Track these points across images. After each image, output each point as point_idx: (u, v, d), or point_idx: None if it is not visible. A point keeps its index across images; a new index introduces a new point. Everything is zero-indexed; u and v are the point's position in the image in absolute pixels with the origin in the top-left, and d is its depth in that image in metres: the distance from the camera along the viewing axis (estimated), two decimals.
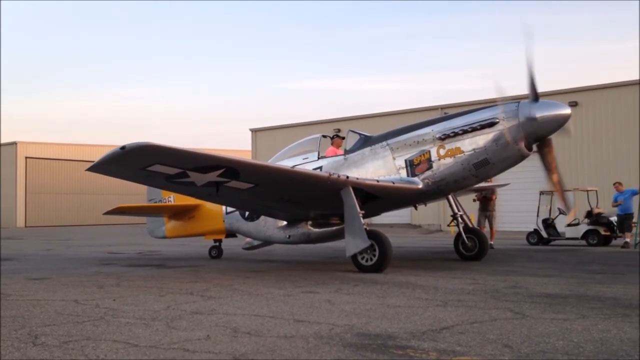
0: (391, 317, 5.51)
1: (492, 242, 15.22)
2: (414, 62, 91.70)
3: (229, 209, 12.60)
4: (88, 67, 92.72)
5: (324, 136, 12.16)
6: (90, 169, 8.32)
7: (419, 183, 10.19)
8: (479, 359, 3.95)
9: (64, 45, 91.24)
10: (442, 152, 10.07)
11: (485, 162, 9.86)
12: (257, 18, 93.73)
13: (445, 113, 11.01)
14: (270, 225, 11.83)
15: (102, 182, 40.36)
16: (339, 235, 10.87)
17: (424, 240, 20.71)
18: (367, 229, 9.45)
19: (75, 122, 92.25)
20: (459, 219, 11.76)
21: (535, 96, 9.61)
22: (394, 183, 10.13)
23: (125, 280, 8.89)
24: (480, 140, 9.80)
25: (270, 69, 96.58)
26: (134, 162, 8.15)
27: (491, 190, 15.70)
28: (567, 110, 9.80)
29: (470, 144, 9.86)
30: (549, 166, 9.94)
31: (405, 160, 10.37)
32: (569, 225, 17.63)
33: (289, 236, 11.53)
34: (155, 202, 14.09)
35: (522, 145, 9.64)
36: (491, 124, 9.74)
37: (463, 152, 9.91)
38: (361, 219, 9.40)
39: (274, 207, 10.82)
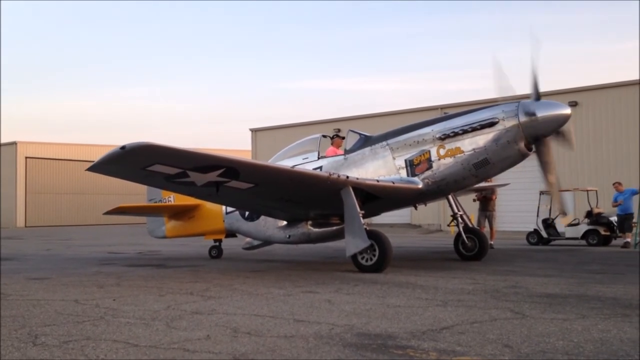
0: (391, 317, 5.51)
1: (492, 242, 15.22)
2: (414, 62, 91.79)
3: (229, 209, 12.60)
4: (88, 67, 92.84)
5: (324, 136, 12.16)
6: (90, 169, 8.32)
7: (419, 183, 10.19)
8: (479, 359, 3.95)
9: (64, 45, 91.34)
10: (442, 152, 10.07)
11: (485, 162, 9.86)
12: (257, 18, 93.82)
13: (445, 113, 11.00)
14: (270, 225, 11.83)
15: (102, 182, 40.38)
16: (339, 235, 10.87)
17: (424, 240, 20.71)
18: (367, 228, 9.45)
19: (75, 122, 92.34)
20: (459, 219, 11.76)
21: (537, 96, 9.63)
22: (394, 183, 10.14)
23: (125, 280, 8.89)
24: (480, 140, 9.80)
25: (270, 69, 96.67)
26: (134, 162, 8.15)
27: (491, 190, 15.70)
28: (567, 110, 9.80)
29: (470, 143, 9.87)
30: (546, 166, 9.90)
31: (405, 160, 10.37)
32: (569, 225, 17.65)
33: (289, 236, 11.53)
34: (155, 202, 14.09)
35: (522, 145, 9.65)
36: (491, 124, 9.74)
37: (463, 152, 9.91)
38: (361, 219, 9.40)
39: (274, 207, 10.82)
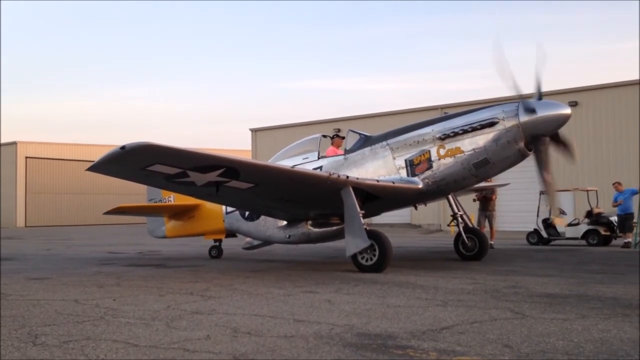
0: (391, 317, 5.51)
1: (492, 242, 15.22)
2: (414, 62, 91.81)
3: (229, 209, 12.60)
4: (88, 67, 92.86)
5: (324, 136, 12.16)
6: (90, 169, 8.32)
7: (419, 183, 10.19)
8: (479, 359, 3.95)
9: (64, 45, 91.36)
10: (442, 152, 10.07)
11: (485, 162, 9.86)
12: (257, 18, 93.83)
13: (445, 113, 11.00)
14: (270, 225, 11.83)
15: (102, 182, 40.38)
16: (339, 235, 10.87)
17: (424, 240, 20.71)
18: (367, 228, 9.45)
19: (75, 122, 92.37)
20: (459, 218, 11.76)
21: (539, 96, 9.64)
22: (394, 183, 10.14)
23: (125, 280, 8.89)
24: (480, 140, 9.80)
25: (270, 69, 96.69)
26: (134, 162, 8.15)
27: (491, 190, 15.70)
28: (567, 110, 9.80)
29: (470, 143, 9.87)
30: (543, 165, 9.84)
31: (405, 160, 10.37)
32: (569, 225, 17.65)
33: (289, 236, 11.53)
34: (155, 202, 14.09)
35: (522, 145, 9.65)
36: (491, 124, 9.74)
37: (463, 152, 9.91)
38: (361, 218, 9.40)
39: (274, 207, 10.82)
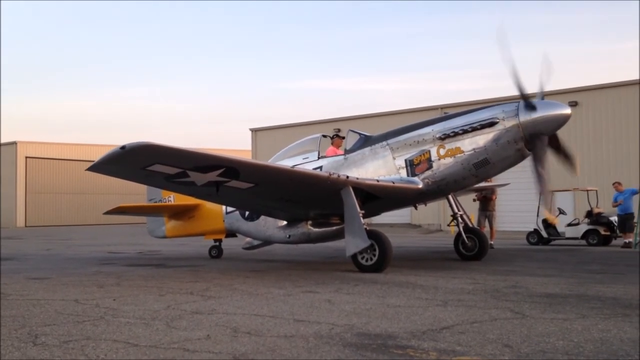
0: (391, 316, 5.51)
1: (492, 242, 15.22)
2: (414, 62, 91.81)
3: (229, 209, 12.60)
4: (88, 67, 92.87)
5: (324, 136, 12.16)
6: (90, 169, 8.32)
7: (419, 183, 10.19)
8: (479, 359, 3.95)
9: (64, 45, 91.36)
10: (442, 151, 10.07)
11: (485, 161, 9.86)
12: (257, 18, 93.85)
13: (445, 113, 11.00)
14: (270, 225, 11.83)
15: (102, 182, 40.38)
16: (339, 235, 10.87)
17: (424, 240, 20.71)
18: (367, 228, 9.45)
19: (75, 122, 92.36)
20: (459, 218, 11.76)
21: (541, 97, 9.67)
22: (394, 183, 10.14)
23: (125, 280, 8.89)
24: (480, 140, 9.80)
25: (270, 69, 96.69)
26: (134, 161, 8.15)
27: (491, 190, 15.70)
28: (567, 110, 9.80)
29: (470, 143, 9.87)
30: (539, 161, 9.76)
31: (405, 160, 10.37)
32: (569, 224, 17.65)
33: (289, 236, 11.53)
34: (155, 202, 14.09)
35: (522, 145, 9.64)
36: (491, 124, 9.74)
37: (463, 151, 9.91)
38: (361, 218, 9.40)
39: (274, 206, 10.82)
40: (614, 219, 16.80)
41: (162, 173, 8.56)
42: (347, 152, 11.13)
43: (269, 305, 6.28)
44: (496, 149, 9.73)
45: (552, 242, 17.58)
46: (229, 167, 8.57)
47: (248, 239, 13.18)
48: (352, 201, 9.46)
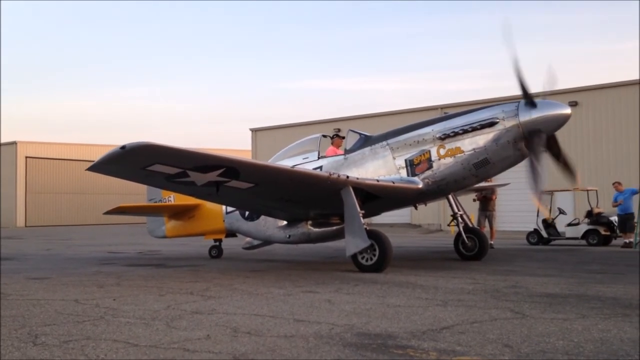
0: (391, 316, 5.51)
1: (492, 242, 15.22)
2: (414, 62, 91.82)
3: (229, 209, 12.60)
4: (88, 67, 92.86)
5: (324, 136, 12.16)
6: (90, 169, 8.32)
7: (419, 183, 10.19)
8: (479, 359, 3.95)
9: (64, 45, 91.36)
10: (442, 151, 10.07)
11: (485, 161, 9.87)
12: (257, 18, 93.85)
13: (445, 113, 11.00)
14: (270, 225, 11.83)
15: (102, 182, 40.40)
16: (339, 235, 10.87)
17: (424, 240, 20.71)
18: (367, 228, 9.45)
19: (75, 122, 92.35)
20: (459, 218, 11.76)
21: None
22: (394, 183, 10.14)
23: (125, 279, 8.89)
24: (480, 140, 9.80)
25: (270, 69, 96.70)
26: (134, 161, 8.15)
27: (491, 190, 15.70)
28: (567, 110, 9.81)
29: (470, 143, 9.87)
30: (536, 156, 9.75)
31: (406, 160, 10.37)
32: (569, 224, 17.65)
33: (289, 236, 11.53)
34: (155, 202, 14.09)
35: (522, 144, 9.65)
36: (491, 124, 9.74)
37: (463, 151, 9.91)
38: (361, 218, 9.40)
39: (274, 206, 10.82)
40: (614, 219, 16.80)
41: (162, 173, 8.56)
42: (347, 152, 11.12)
43: (269, 305, 6.28)
44: (496, 148, 9.73)
45: (552, 242, 17.58)
46: (229, 167, 8.57)
47: (248, 239, 13.18)
48: (352, 201, 9.46)
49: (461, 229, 11.71)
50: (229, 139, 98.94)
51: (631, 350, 4.16)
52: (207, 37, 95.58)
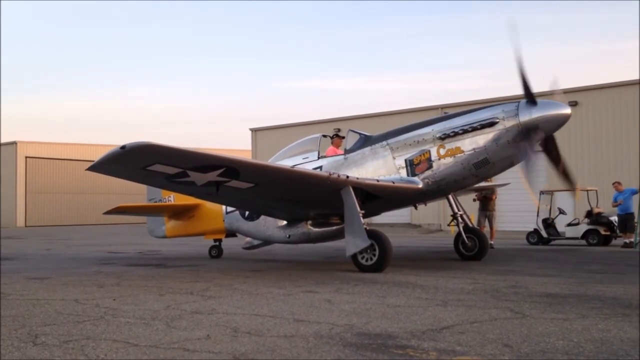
0: (391, 316, 5.51)
1: (492, 242, 15.23)
2: (414, 62, 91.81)
3: (229, 209, 12.60)
4: (88, 67, 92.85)
5: (324, 136, 12.16)
6: (90, 169, 8.32)
7: (419, 183, 10.19)
8: (479, 359, 3.95)
9: (64, 45, 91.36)
10: (442, 151, 10.07)
11: (485, 161, 9.87)
12: (257, 18, 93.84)
13: (445, 113, 11.01)
14: (270, 225, 11.83)
15: (102, 182, 40.39)
16: (339, 234, 10.87)
17: (424, 240, 20.71)
18: (367, 228, 9.45)
19: (75, 122, 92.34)
20: (459, 218, 11.76)
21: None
22: (394, 183, 10.14)
23: (125, 279, 8.89)
24: (480, 139, 9.80)
25: (270, 69, 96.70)
26: (134, 161, 8.15)
27: (491, 190, 15.70)
28: (567, 110, 9.80)
29: (471, 143, 9.87)
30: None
31: (405, 160, 10.37)
32: (569, 224, 17.65)
33: (289, 236, 11.53)
34: (155, 202, 14.09)
35: (522, 145, 9.64)
36: (491, 124, 9.75)
37: (463, 151, 9.91)
38: (361, 218, 9.40)
39: (274, 206, 10.82)
40: (614, 219, 16.80)
41: (162, 173, 8.56)
42: (347, 152, 11.13)
43: (269, 305, 6.28)
44: (496, 148, 9.74)
45: (552, 242, 17.59)
46: (229, 167, 8.57)
47: (248, 239, 13.18)
48: (352, 201, 9.46)
49: (461, 229, 11.72)
50: (229, 139, 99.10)
51: (631, 350, 4.16)
52: (207, 37, 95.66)
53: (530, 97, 9.54)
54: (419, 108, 29.89)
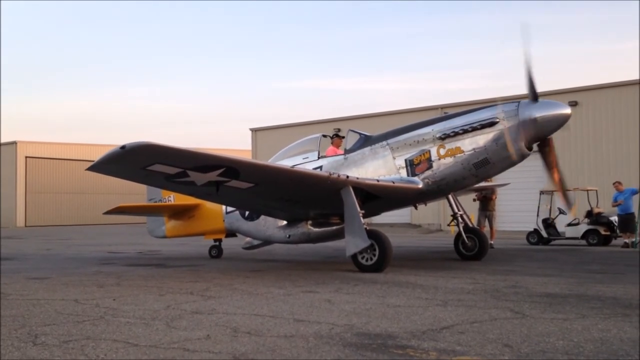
0: (391, 316, 5.51)
1: (492, 242, 15.23)
2: (414, 62, 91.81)
3: (229, 209, 12.60)
4: (88, 67, 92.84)
5: (324, 136, 12.15)
6: (90, 169, 8.32)
7: (419, 183, 10.19)
8: (479, 359, 3.95)
9: (64, 45, 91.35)
10: (442, 151, 10.07)
11: (485, 161, 9.87)
12: (257, 18, 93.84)
13: (445, 113, 11.00)
14: (270, 225, 11.83)
15: (102, 181, 40.38)
16: (339, 234, 10.87)
17: (424, 240, 20.71)
18: (367, 228, 9.45)
19: (75, 122, 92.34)
20: (459, 218, 11.76)
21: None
22: (394, 183, 10.14)
23: (125, 279, 8.89)
24: (480, 139, 9.81)
25: (270, 69, 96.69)
26: (134, 161, 8.15)
27: (491, 190, 15.70)
28: (567, 110, 9.81)
29: (471, 143, 9.87)
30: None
31: (405, 160, 10.37)
32: (569, 224, 17.65)
33: (289, 236, 11.53)
34: (155, 202, 14.09)
35: (522, 145, 9.65)
36: (491, 124, 9.75)
37: (463, 151, 9.91)
38: (361, 218, 9.40)
39: (274, 206, 10.82)
40: (614, 219, 16.79)
41: (162, 173, 8.56)
42: (347, 152, 11.12)
43: (269, 305, 6.28)
44: (496, 148, 9.73)
45: (552, 242, 17.58)
46: (229, 167, 8.57)
47: (248, 239, 13.18)
48: (352, 201, 9.46)
49: (461, 229, 11.72)
50: (229, 139, 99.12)
51: (631, 350, 4.16)
52: (207, 37, 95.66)
53: (535, 98, 9.54)
54: (419, 108, 29.88)
